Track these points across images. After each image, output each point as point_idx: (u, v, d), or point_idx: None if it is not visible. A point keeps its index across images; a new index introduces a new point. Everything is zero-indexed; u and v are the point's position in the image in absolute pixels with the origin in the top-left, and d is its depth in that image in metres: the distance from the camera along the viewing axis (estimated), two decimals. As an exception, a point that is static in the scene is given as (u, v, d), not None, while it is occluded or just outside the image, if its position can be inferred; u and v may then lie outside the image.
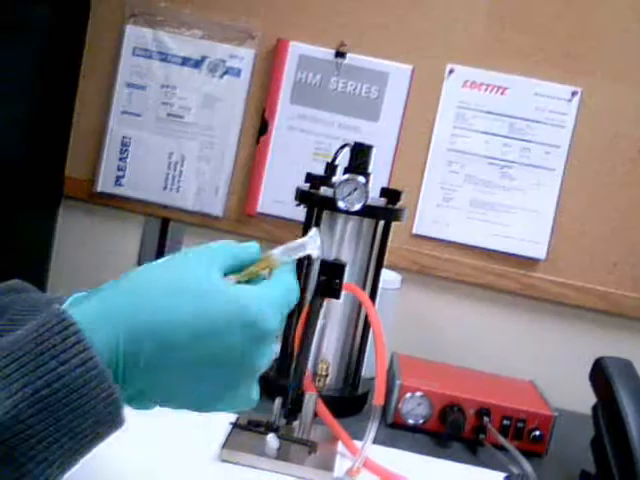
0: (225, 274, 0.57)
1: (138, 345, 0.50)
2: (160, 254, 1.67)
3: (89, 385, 0.46)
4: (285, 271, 0.61)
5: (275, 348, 0.58)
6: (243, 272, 0.62)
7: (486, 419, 1.19)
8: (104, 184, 1.65)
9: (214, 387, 0.55)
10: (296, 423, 1.08)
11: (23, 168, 1.56)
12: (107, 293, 0.53)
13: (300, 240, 0.66)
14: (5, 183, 1.49)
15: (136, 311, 0.51)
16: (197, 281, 0.53)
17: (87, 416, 0.47)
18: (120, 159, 1.64)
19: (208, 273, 0.54)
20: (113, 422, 0.50)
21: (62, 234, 1.70)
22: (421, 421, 1.22)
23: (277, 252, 0.65)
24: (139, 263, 1.68)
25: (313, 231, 0.66)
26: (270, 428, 1.06)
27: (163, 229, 1.67)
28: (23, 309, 0.69)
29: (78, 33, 1.64)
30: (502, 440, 1.16)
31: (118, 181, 1.65)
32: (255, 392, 0.62)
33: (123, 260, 1.68)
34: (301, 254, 0.66)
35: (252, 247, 0.62)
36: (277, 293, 0.57)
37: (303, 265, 1.28)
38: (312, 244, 0.65)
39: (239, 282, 0.59)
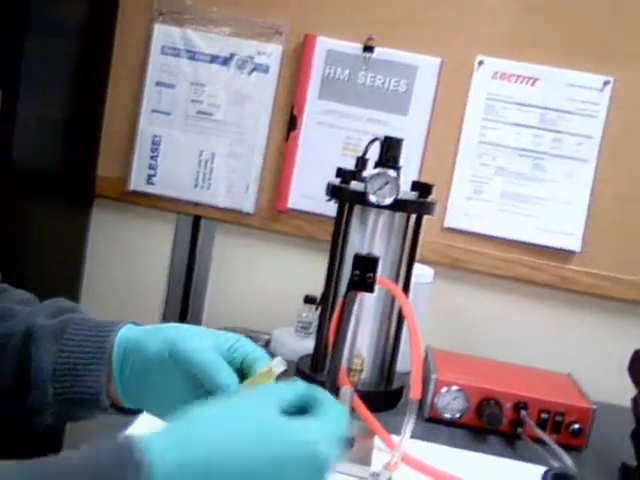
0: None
1: None
2: (192, 251, 1.68)
3: None
4: (330, 399, 0.60)
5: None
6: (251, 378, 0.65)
7: (523, 413, 1.19)
8: (136, 183, 1.66)
9: None
10: (332, 418, 1.08)
11: (56, 168, 1.58)
12: (185, 441, 0.51)
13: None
14: (39, 183, 1.51)
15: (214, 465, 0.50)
16: (265, 427, 0.53)
17: None
18: (151, 157, 1.66)
19: (271, 413, 0.55)
20: None
21: (95, 232, 1.72)
22: (457, 415, 1.22)
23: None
24: (172, 260, 1.69)
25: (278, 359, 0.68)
26: (307, 423, 1.06)
27: (195, 226, 1.68)
28: (79, 334, 0.69)
29: (107, 33, 1.65)
30: (540, 434, 1.15)
31: (150, 179, 1.66)
32: None
33: (156, 257, 1.70)
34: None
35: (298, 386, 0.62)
36: (333, 423, 0.57)
37: (336, 259, 1.28)
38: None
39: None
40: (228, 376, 0.64)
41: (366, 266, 1.03)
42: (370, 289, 1.03)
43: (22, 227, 1.46)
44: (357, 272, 1.02)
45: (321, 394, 0.60)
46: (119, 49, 1.66)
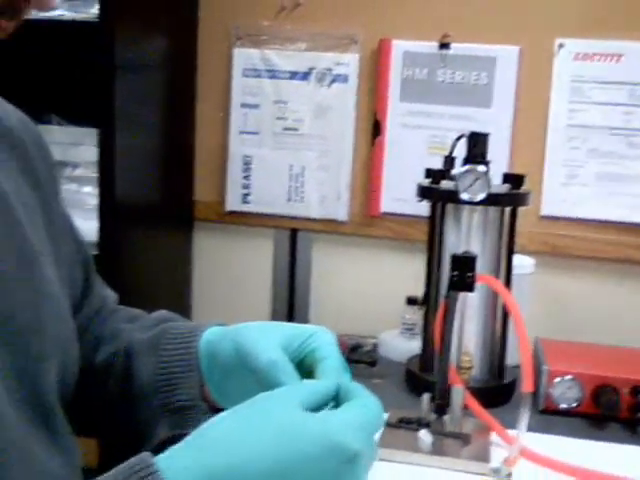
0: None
1: None
2: (292, 264, 1.72)
3: None
4: (360, 390, 0.58)
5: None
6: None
7: (642, 397, 1.16)
8: (232, 203, 1.72)
9: None
10: (446, 417, 1.09)
11: (156, 197, 1.65)
12: (202, 453, 0.50)
13: None
14: (141, 213, 1.58)
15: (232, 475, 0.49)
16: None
17: None
18: (244, 177, 1.71)
19: (290, 410, 0.52)
20: None
21: (198, 255, 1.79)
22: (574, 404, 1.20)
23: None
24: (274, 274, 1.74)
25: None
26: (421, 424, 1.07)
27: (292, 239, 1.72)
28: (171, 343, 0.72)
29: (190, 63, 1.72)
30: (662, 417, 1.12)
31: (245, 199, 1.72)
32: None
33: (258, 273, 1.75)
34: None
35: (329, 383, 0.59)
36: (359, 413, 0.54)
37: (434, 259, 1.29)
38: None
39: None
40: (288, 377, 0.62)
41: (464, 266, 1.03)
42: (470, 288, 1.03)
43: (130, 257, 1.53)
44: (456, 273, 1.03)
45: (352, 387, 0.57)
46: (203, 76, 1.72)
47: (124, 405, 0.74)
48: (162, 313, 0.81)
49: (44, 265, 0.68)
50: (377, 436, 0.54)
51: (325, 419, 0.53)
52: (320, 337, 0.66)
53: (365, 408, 0.55)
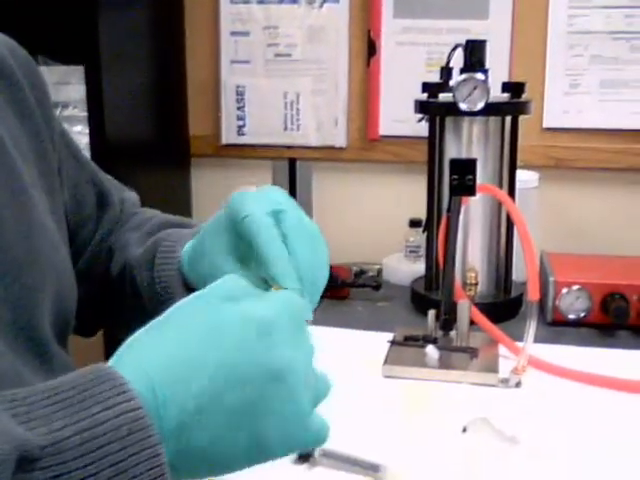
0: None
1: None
2: (292, 194, 1.69)
3: (134, 435, 0.42)
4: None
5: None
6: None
7: (652, 302, 1.14)
8: (227, 136, 1.68)
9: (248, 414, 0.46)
10: (452, 333, 1.08)
11: (149, 135, 1.61)
12: (147, 350, 0.48)
13: None
14: (135, 152, 1.55)
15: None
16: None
17: (129, 460, 0.42)
18: (238, 109, 1.67)
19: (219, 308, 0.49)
20: (158, 470, 0.44)
21: (196, 191, 1.76)
22: (582, 315, 1.18)
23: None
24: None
25: None
26: (428, 340, 1.06)
27: (291, 169, 1.69)
28: (168, 260, 0.71)
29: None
30: (672, 321, 1.10)
31: (240, 131, 1.68)
32: (318, 419, 0.50)
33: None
34: None
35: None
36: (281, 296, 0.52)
37: (434, 177, 1.26)
38: None
39: None
40: (265, 228, 0.59)
41: (464, 169, 1.00)
42: (471, 192, 1.00)
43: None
44: (455, 177, 0.99)
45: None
46: (190, 6, 1.67)
47: (135, 305, 0.74)
48: (159, 220, 0.80)
49: (35, 196, 0.67)
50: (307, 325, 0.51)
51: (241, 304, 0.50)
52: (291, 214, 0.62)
53: (287, 294, 0.53)
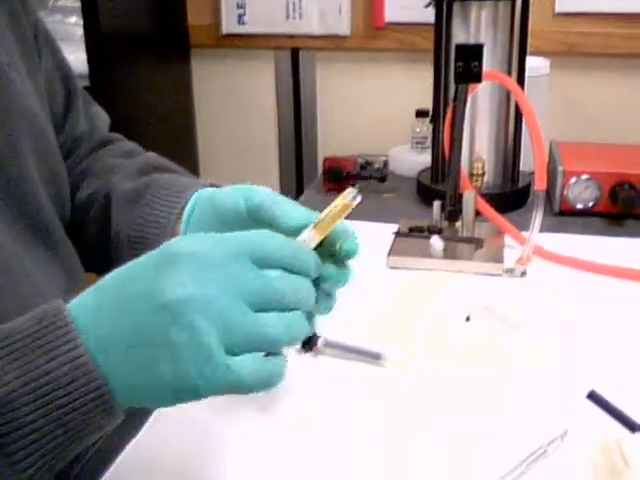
0: None
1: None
2: (296, 85, 1.64)
3: (77, 382, 0.44)
4: None
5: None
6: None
7: (660, 191, 1.12)
8: (228, 25, 1.63)
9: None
10: (458, 224, 1.06)
11: (146, 25, 1.56)
12: (104, 292, 0.48)
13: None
14: (131, 43, 1.50)
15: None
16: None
17: (77, 412, 0.45)
18: (238, -4, 1.61)
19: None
20: (108, 417, 0.46)
21: (198, 83, 1.72)
22: (590, 204, 1.17)
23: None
24: (277, 97, 1.67)
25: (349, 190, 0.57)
26: (433, 231, 1.05)
27: (294, 59, 1.64)
28: (155, 201, 0.68)
29: None
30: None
31: (240, 19, 1.62)
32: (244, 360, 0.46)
33: (261, 96, 1.68)
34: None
35: None
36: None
37: (441, 64, 1.22)
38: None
39: None
40: (299, 212, 0.58)
41: (469, 55, 0.96)
42: (477, 79, 0.97)
43: (124, 89, 1.46)
44: (461, 63, 0.96)
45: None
46: None
47: (98, 244, 0.72)
48: (153, 159, 0.77)
49: (15, 79, 0.64)
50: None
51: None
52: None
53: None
